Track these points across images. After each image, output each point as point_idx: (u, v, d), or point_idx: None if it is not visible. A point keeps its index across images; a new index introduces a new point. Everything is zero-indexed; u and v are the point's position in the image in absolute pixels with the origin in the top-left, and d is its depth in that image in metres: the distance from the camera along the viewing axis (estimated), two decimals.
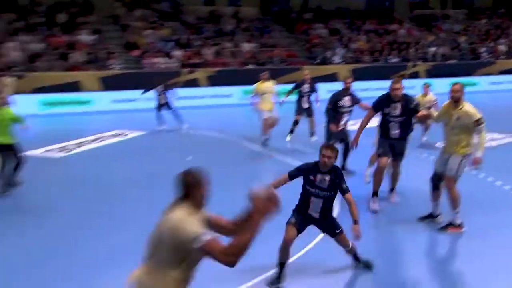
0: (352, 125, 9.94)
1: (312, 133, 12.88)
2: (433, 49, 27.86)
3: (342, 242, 5.57)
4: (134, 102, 19.73)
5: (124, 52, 23.55)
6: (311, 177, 5.30)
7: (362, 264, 5.67)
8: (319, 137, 11.46)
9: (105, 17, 26.05)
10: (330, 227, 5.51)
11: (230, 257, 2.91)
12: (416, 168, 9.47)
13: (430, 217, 7.23)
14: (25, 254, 6.13)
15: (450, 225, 6.80)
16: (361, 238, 5.38)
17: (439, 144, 9.23)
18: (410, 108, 7.35)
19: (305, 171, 5.33)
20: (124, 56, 23.16)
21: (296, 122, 13.03)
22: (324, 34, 27.32)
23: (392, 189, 8.02)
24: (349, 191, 5.34)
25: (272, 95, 12.61)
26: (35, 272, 5.65)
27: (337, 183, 5.28)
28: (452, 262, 6.22)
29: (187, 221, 3.12)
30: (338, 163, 9.05)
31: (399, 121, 7.40)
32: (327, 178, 5.27)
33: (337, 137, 9.43)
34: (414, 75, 25.58)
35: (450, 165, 6.71)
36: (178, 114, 15.45)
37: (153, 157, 11.44)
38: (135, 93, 18.13)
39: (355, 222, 5.33)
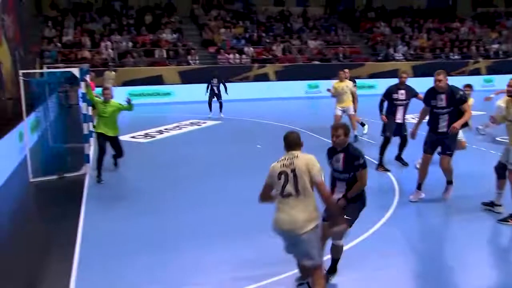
0: (412, 119, 9.68)
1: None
2: (495, 46, 26.58)
3: (338, 231, 4.60)
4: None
5: (201, 49, 23.89)
6: (330, 160, 4.84)
7: (328, 274, 4.75)
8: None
9: (185, 17, 26.63)
10: (348, 211, 4.69)
11: (323, 198, 4.09)
12: (479, 159, 9.22)
13: (491, 205, 6.85)
14: (130, 241, 5.83)
15: (510, 217, 6.41)
16: (406, 225, 5.16)
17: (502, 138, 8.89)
18: (456, 98, 6.88)
19: (327, 155, 4.89)
20: (201, 52, 23.51)
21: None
22: (387, 32, 26.68)
23: (448, 182, 7.37)
24: (364, 168, 4.67)
25: (349, 94, 11.27)
26: (139, 259, 5.29)
27: (350, 161, 4.68)
28: (509, 253, 5.82)
29: (315, 161, 4.16)
30: (394, 154, 9.11)
31: (446, 113, 6.94)
32: (341, 156, 4.70)
33: (393, 130, 9.01)
34: (475, 72, 24.62)
35: (511, 159, 6.42)
36: (222, 105, 15.61)
37: (226, 144, 11.37)
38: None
39: (344, 196, 4.70)
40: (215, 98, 15.68)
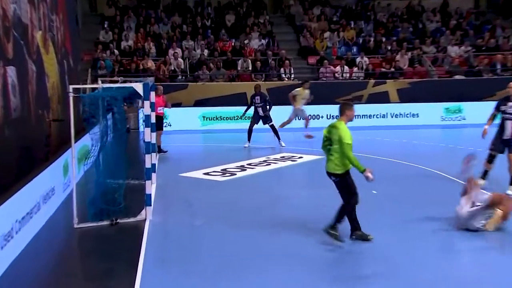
0: None
1: None
2: None
3: None
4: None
5: (298, 58, 24.62)
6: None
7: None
8: None
9: (278, 17, 27.27)
10: None
11: None
12: None
13: None
14: None
15: None
16: None
17: None
18: None
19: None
20: (298, 63, 24.20)
21: None
22: None
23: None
24: None
25: None
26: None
27: None
28: None
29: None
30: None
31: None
32: None
33: (500, 148, 10.76)
34: None
35: None
36: (276, 129, 16.41)
37: (327, 187, 11.29)
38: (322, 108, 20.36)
39: None
40: (260, 123, 16.35)
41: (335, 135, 7.50)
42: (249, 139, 16.62)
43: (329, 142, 7.63)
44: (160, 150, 14.94)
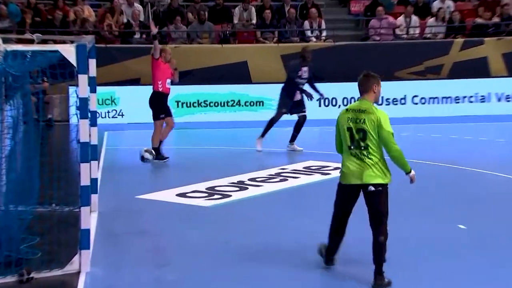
0: None
1: None
2: None
3: None
4: None
5: (334, 4, 24.54)
6: None
7: None
8: None
9: None
10: None
11: None
12: None
13: None
14: None
15: None
16: None
17: None
18: None
19: None
20: (335, 12, 24.02)
21: None
22: None
23: None
24: None
25: None
26: None
27: None
28: None
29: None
30: None
31: None
32: None
33: None
34: None
35: None
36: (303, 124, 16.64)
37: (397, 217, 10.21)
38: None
39: None
40: (297, 108, 16.20)
41: (370, 123, 7.44)
42: (263, 134, 16.08)
43: (361, 136, 7.58)
44: (158, 154, 14.56)
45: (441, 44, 22.05)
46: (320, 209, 10.66)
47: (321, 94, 16.51)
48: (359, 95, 7.66)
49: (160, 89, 14.37)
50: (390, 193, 7.97)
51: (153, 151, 14.27)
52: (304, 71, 15.88)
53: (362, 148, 7.52)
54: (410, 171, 7.50)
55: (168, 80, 15.01)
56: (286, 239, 10.19)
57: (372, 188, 7.62)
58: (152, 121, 15.26)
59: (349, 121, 7.57)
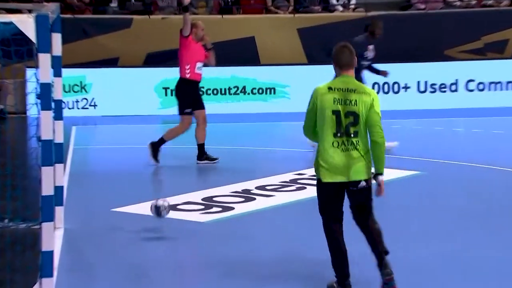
0: None
1: None
2: None
3: None
4: None
5: None
6: None
7: None
8: None
9: None
10: None
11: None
12: None
13: None
14: None
15: None
16: None
17: None
18: None
19: None
20: None
21: None
22: None
23: None
24: None
25: None
26: None
27: None
28: None
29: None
30: None
31: None
32: None
33: None
34: None
35: None
36: None
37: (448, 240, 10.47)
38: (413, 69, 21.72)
39: None
40: None
41: (363, 105, 7.48)
42: None
43: (352, 120, 7.57)
44: (202, 154, 14.80)
45: (506, 14, 22.04)
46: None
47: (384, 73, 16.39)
48: (336, 72, 7.41)
49: (188, 76, 14.02)
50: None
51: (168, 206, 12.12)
52: (371, 50, 15.72)
53: (352, 135, 7.51)
54: (382, 173, 7.51)
55: (199, 64, 14.57)
56: (300, 266, 9.28)
57: (365, 184, 7.68)
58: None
59: (336, 102, 7.53)
